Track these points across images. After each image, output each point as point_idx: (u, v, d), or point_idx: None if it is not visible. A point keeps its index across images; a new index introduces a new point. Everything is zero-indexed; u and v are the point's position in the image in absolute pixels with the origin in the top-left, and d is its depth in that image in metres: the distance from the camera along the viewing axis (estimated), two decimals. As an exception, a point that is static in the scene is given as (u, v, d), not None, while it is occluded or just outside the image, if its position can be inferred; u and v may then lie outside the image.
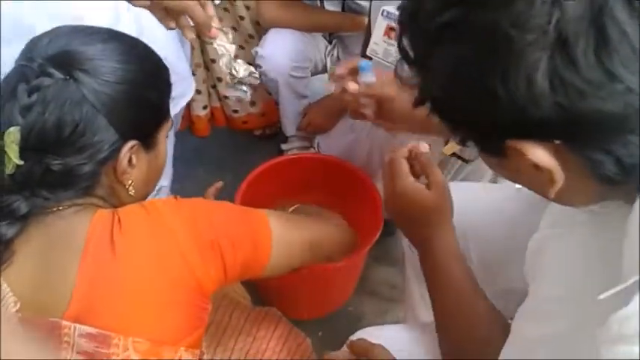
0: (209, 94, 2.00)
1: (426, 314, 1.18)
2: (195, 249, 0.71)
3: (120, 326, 0.67)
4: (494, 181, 1.32)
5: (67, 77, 0.69)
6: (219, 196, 1.19)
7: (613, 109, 0.45)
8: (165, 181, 1.59)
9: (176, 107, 1.47)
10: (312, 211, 1.09)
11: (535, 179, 0.52)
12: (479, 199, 1.00)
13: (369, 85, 0.97)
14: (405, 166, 0.84)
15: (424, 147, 0.86)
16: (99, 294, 0.68)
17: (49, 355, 0.64)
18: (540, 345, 0.61)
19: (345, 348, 0.84)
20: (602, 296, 0.48)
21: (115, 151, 0.73)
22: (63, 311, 0.67)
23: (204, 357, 0.92)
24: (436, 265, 0.81)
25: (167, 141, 0.83)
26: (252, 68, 1.02)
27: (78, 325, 0.67)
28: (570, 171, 0.50)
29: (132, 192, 0.77)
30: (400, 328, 0.98)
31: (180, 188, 1.77)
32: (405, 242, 1.16)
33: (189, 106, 2.01)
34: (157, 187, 0.88)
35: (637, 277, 0.46)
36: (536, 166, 0.50)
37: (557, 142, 0.48)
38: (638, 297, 0.44)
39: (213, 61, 1.87)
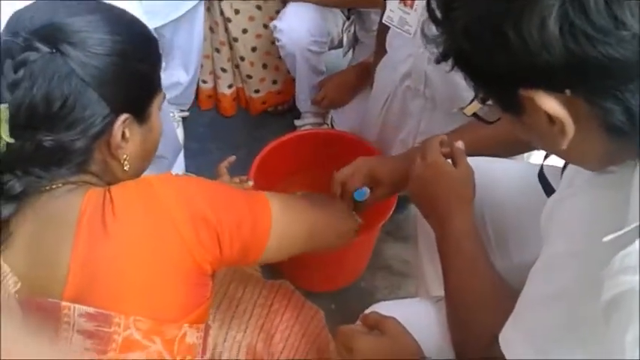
0: (234, 74, 1.98)
1: (438, 289, 1.19)
2: (190, 226, 0.70)
3: (119, 305, 0.67)
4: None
5: (54, 51, 0.67)
6: (233, 170, 1.19)
7: (620, 55, 0.46)
8: (168, 154, 1.59)
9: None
10: (320, 196, 1.11)
11: (549, 134, 0.54)
12: (495, 173, 1.00)
13: None
14: (438, 146, 0.91)
15: (460, 143, 0.92)
16: (94, 274, 0.67)
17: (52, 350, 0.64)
18: (547, 302, 0.61)
19: (358, 322, 0.85)
20: (605, 239, 0.49)
21: (108, 126, 0.71)
22: (60, 291, 0.67)
23: (212, 330, 0.93)
24: (452, 242, 0.82)
25: (160, 114, 0.81)
26: None
27: (77, 305, 0.66)
28: (581, 123, 0.52)
29: (127, 167, 0.76)
30: (413, 302, 0.99)
31: (193, 165, 1.78)
32: (419, 217, 1.16)
33: (215, 84, 2.01)
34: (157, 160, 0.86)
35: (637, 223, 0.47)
36: (550, 119, 0.52)
37: (568, 92, 0.50)
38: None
39: (236, 39, 1.85)
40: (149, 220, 0.69)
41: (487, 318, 0.71)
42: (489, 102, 0.61)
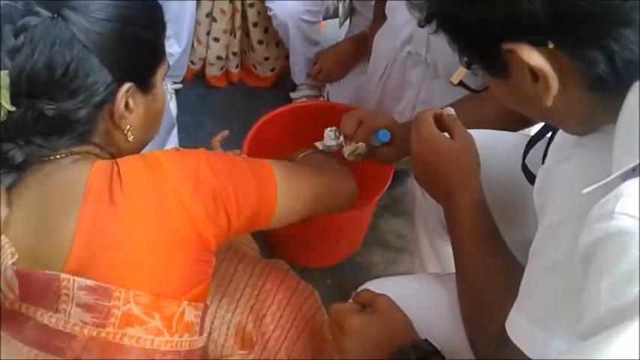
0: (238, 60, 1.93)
1: (435, 265, 1.18)
2: (196, 201, 0.70)
3: (120, 279, 0.67)
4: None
5: (55, 15, 0.66)
6: (226, 145, 1.17)
7: None
8: (162, 129, 1.56)
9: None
10: (319, 157, 1.06)
11: (534, 93, 0.54)
12: (488, 146, 0.97)
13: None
14: (431, 118, 0.86)
15: (450, 110, 0.88)
16: (98, 246, 0.66)
17: None
18: (546, 275, 0.60)
19: (351, 300, 0.83)
20: (585, 190, 0.50)
21: (111, 94, 0.70)
22: (63, 262, 0.66)
23: (209, 308, 0.92)
24: (460, 220, 0.79)
25: (164, 85, 0.80)
26: (357, 146, 1.04)
27: (77, 278, 0.65)
28: (564, 79, 0.52)
29: (131, 138, 0.75)
30: (407, 279, 0.97)
31: (186, 137, 1.75)
32: (417, 191, 1.13)
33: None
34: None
35: (621, 171, 0.48)
36: (534, 76, 0.53)
37: (551, 45, 0.50)
38: (620, 186, 0.46)
39: (255, 24, 1.81)
40: (155, 194, 0.69)
41: (502, 300, 0.67)
42: (474, 66, 0.61)
